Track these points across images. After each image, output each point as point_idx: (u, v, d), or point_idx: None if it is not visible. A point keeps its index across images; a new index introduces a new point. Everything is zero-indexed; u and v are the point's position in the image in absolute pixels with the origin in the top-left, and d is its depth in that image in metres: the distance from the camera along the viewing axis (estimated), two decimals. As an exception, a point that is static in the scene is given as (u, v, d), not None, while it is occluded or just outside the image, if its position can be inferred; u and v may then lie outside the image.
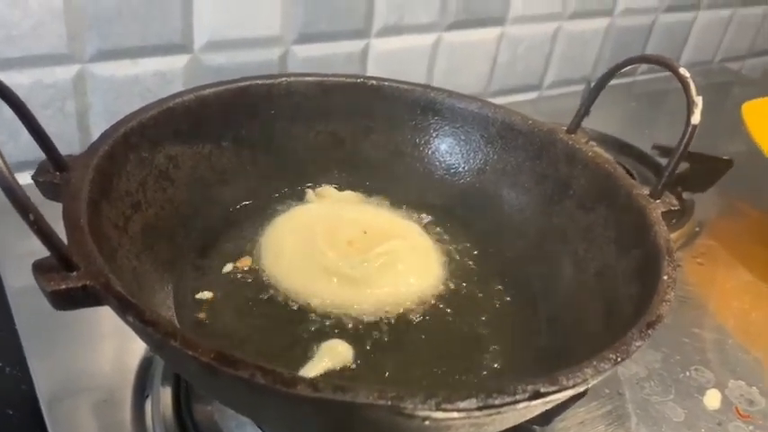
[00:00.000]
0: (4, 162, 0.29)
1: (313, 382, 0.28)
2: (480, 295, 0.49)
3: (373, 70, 0.84)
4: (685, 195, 0.76)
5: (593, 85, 0.51)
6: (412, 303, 0.48)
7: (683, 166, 0.72)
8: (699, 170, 0.74)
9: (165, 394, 0.47)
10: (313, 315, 0.46)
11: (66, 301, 0.31)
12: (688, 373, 0.56)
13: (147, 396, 0.48)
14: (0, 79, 0.34)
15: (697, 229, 0.74)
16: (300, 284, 0.47)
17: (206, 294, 0.46)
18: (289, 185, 0.55)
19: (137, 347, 0.52)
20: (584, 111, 0.51)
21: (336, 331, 0.44)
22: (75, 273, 0.31)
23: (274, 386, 0.28)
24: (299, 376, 0.28)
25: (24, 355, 0.57)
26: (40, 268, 0.31)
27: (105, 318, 0.54)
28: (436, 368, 0.43)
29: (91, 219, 0.35)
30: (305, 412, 0.30)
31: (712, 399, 0.53)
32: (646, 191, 0.45)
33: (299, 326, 0.45)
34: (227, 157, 0.51)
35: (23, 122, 0.37)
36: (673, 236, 0.65)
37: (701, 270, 0.69)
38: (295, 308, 0.46)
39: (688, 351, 0.58)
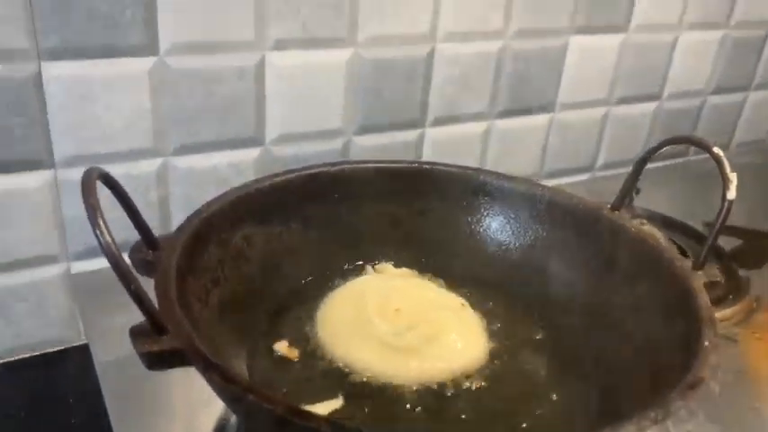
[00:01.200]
0: (114, 243, 0.34)
1: (373, 433, 0.31)
2: (528, 367, 0.51)
3: (429, 156, 0.89)
4: (741, 272, 0.76)
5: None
6: (455, 375, 0.49)
7: (736, 242, 0.73)
8: (754, 246, 0.75)
9: (238, 459, 0.50)
10: (355, 379, 0.48)
11: (158, 361, 0.36)
12: (749, 448, 0.55)
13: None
14: (108, 173, 0.40)
15: (754, 305, 0.74)
16: (347, 350, 0.50)
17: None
18: (350, 262, 0.59)
19: (210, 418, 0.56)
20: (627, 188, 0.54)
21: (372, 396, 0.47)
22: (165, 336, 0.36)
23: (338, 436, 0.31)
24: (360, 427, 0.31)
25: (107, 427, 0.62)
26: (135, 333, 0.36)
27: (180, 390, 0.59)
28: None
29: (178, 291, 0.40)
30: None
31: (774, 475, 0.53)
32: (688, 264, 0.47)
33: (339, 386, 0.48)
34: (296, 237, 0.56)
35: (124, 208, 0.42)
36: (729, 311, 0.66)
37: (760, 345, 0.68)
38: (341, 370, 0.49)
39: (748, 426, 0.57)
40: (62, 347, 0.76)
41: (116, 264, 0.34)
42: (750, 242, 0.74)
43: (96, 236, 0.34)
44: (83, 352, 0.75)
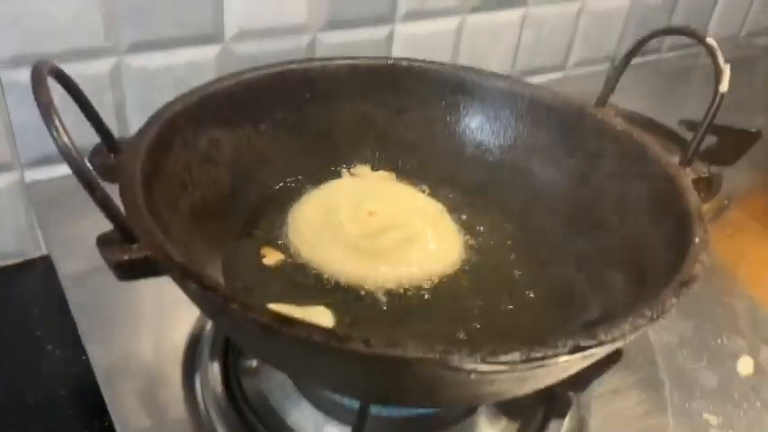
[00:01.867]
0: (73, 145, 0.31)
1: (365, 339, 0.29)
2: (507, 272, 0.50)
3: (399, 54, 0.85)
4: (713, 169, 0.76)
5: (617, 62, 0.52)
6: (429, 279, 0.49)
7: (711, 139, 0.72)
8: (726, 143, 0.74)
9: (214, 370, 0.50)
10: (327, 284, 0.47)
11: (129, 272, 0.33)
12: (720, 341, 0.57)
13: (196, 372, 0.51)
14: (62, 69, 0.36)
15: (726, 202, 0.75)
16: (317, 254, 0.49)
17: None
18: (324, 166, 0.56)
19: (182, 327, 0.54)
20: (611, 85, 0.52)
21: (347, 300, 0.46)
22: (135, 245, 0.33)
23: (329, 343, 0.29)
24: (352, 334, 0.30)
25: (73, 338, 0.60)
26: (103, 242, 0.34)
27: (150, 300, 0.58)
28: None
29: (145, 197, 0.37)
30: (356, 368, 0.32)
31: (745, 365, 0.54)
32: (676, 160, 0.46)
33: (311, 291, 0.46)
34: (265, 140, 0.53)
35: (81, 108, 0.39)
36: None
37: (731, 242, 0.69)
38: (311, 275, 0.48)
39: (720, 319, 0.59)
40: (21, 260, 0.74)
41: (77, 168, 0.31)
42: (722, 139, 0.74)
43: (53, 137, 0.30)
44: (42, 264, 0.73)
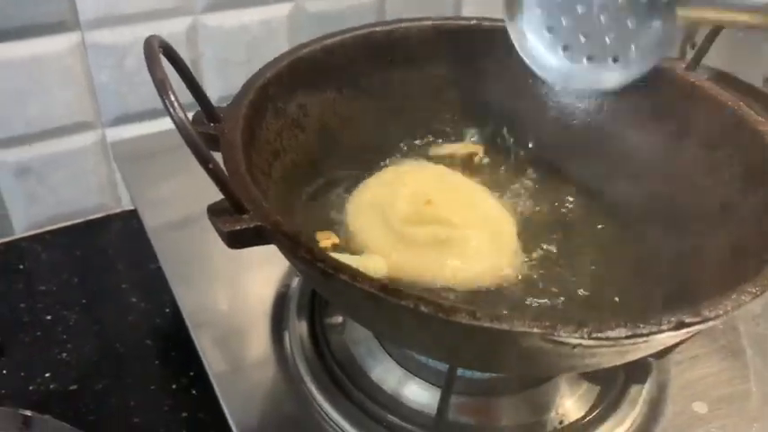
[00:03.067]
0: (188, 119, 0.32)
1: (472, 311, 0.30)
2: (595, 239, 0.51)
3: (469, 12, 0.84)
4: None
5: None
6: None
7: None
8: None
9: (301, 324, 0.51)
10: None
11: (239, 240, 0.35)
12: (804, 310, 0.56)
13: (284, 325, 0.52)
14: (168, 43, 0.37)
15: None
16: (364, 235, 0.48)
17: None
18: (405, 130, 0.57)
19: (268, 281, 0.56)
20: (704, 45, 0.50)
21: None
22: (246, 215, 0.35)
23: (436, 314, 0.30)
24: (459, 306, 0.30)
25: (155, 291, 0.63)
26: (214, 212, 0.35)
27: (235, 254, 0.60)
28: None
29: (247, 166, 0.38)
30: (459, 339, 0.33)
31: (829, 334, 0.54)
32: (771, 127, 0.45)
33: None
34: (349, 104, 0.53)
35: (183, 78, 0.40)
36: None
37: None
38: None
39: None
40: (103, 215, 0.77)
41: (192, 141, 0.32)
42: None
43: (169, 112, 0.31)
44: (124, 219, 0.76)
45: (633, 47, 0.50)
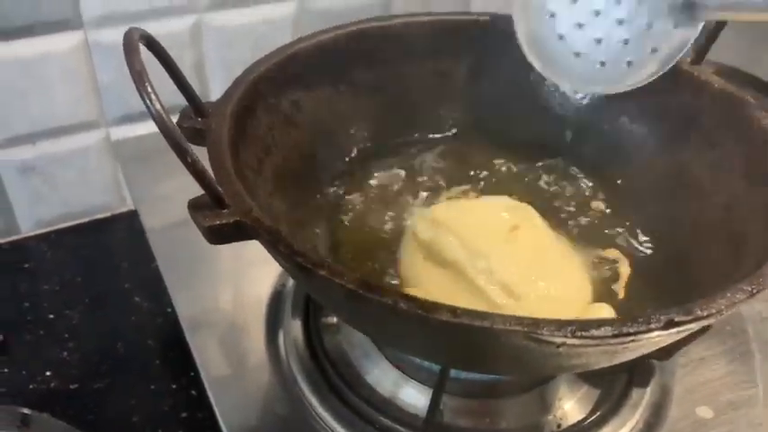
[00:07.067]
0: (165, 112, 0.31)
1: (452, 308, 0.29)
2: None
3: (478, 7, 0.83)
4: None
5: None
6: None
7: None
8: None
9: (296, 325, 0.51)
10: None
11: (219, 235, 0.34)
12: (816, 312, 0.54)
13: (279, 326, 0.52)
14: (152, 35, 0.36)
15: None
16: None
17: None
18: (403, 127, 0.56)
19: (264, 282, 0.56)
20: (710, 37, 0.49)
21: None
22: (226, 210, 0.34)
23: (416, 312, 0.29)
24: (439, 303, 0.30)
25: (158, 291, 0.62)
26: (194, 206, 0.34)
27: (232, 255, 0.59)
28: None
29: (233, 161, 0.38)
30: (442, 336, 0.32)
31: (842, 337, 0.52)
32: (778, 122, 0.43)
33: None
34: (345, 101, 0.52)
35: (169, 73, 0.39)
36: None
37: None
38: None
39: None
40: (108, 214, 0.77)
41: (169, 134, 0.31)
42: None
43: (146, 104, 0.31)
44: (128, 219, 0.76)
45: (649, 50, 0.48)
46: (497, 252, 0.42)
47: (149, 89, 0.31)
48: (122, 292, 0.67)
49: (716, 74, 0.48)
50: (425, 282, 0.44)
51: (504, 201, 0.48)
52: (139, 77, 0.31)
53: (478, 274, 0.41)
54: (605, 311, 0.41)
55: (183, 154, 0.31)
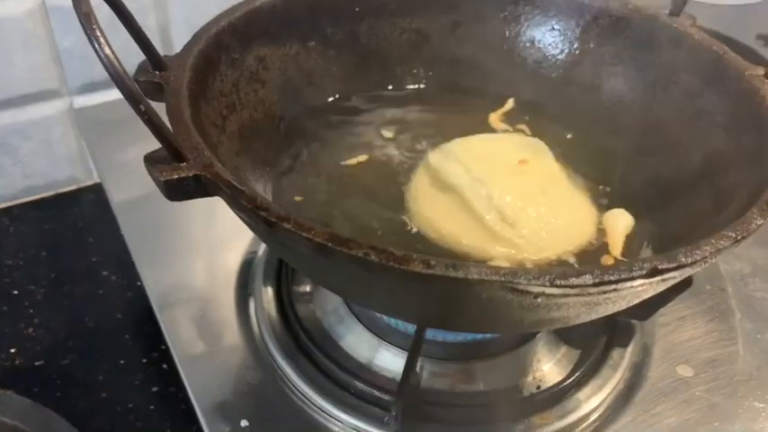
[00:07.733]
0: (116, 57, 0.29)
1: (425, 260, 0.28)
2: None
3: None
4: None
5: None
6: None
7: None
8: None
9: (267, 294, 0.49)
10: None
11: (178, 191, 0.32)
12: (796, 269, 0.53)
13: (250, 295, 0.50)
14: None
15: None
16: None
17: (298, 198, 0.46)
18: (374, 86, 0.54)
19: (234, 252, 0.54)
20: (688, -10, 0.48)
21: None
22: (185, 164, 0.32)
23: (387, 264, 0.28)
24: (412, 254, 0.28)
25: (127, 264, 0.61)
26: (151, 160, 0.32)
27: (201, 225, 0.57)
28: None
29: (192, 115, 0.36)
30: (416, 290, 0.30)
31: (821, 294, 0.51)
32: (760, 71, 0.42)
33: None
34: (314, 58, 0.50)
35: (124, 24, 0.37)
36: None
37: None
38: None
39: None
40: (74, 187, 0.74)
41: (120, 80, 0.29)
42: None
43: (95, 48, 0.29)
44: (95, 191, 0.74)
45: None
46: (500, 181, 0.43)
47: (98, 32, 0.29)
48: (90, 267, 0.65)
49: (694, 25, 0.47)
50: (427, 205, 0.44)
51: (518, 137, 0.49)
52: (87, 19, 0.29)
53: (477, 199, 0.42)
54: (623, 218, 0.42)
55: (134, 100, 0.29)
